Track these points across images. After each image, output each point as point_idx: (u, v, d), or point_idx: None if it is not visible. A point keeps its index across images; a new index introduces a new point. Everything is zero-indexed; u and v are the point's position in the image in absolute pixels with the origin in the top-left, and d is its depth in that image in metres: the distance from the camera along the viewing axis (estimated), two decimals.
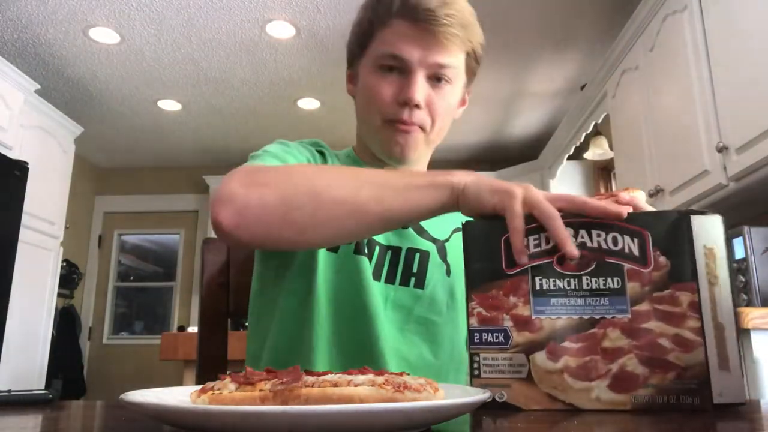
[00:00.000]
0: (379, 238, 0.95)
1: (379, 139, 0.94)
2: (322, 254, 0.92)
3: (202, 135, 4.93)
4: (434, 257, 0.96)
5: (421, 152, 0.95)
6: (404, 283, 0.94)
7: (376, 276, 0.93)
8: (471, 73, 1.00)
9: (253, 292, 1.01)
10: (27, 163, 3.32)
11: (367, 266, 0.91)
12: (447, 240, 0.99)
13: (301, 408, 0.37)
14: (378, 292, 0.92)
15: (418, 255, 0.96)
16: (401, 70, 0.91)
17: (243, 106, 4.38)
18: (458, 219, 1.02)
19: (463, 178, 0.71)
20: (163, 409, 0.41)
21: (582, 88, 3.89)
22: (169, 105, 4.38)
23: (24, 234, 3.37)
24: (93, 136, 4.83)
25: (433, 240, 0.98)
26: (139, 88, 4.10)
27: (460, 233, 0.99)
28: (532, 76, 3.95)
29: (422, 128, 0.92)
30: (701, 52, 2.23)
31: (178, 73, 3.90)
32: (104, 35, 3.41)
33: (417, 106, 0.90)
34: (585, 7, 3.17)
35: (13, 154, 3.31)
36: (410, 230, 0.97)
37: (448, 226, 1.01)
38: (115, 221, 5.68)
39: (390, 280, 0.94)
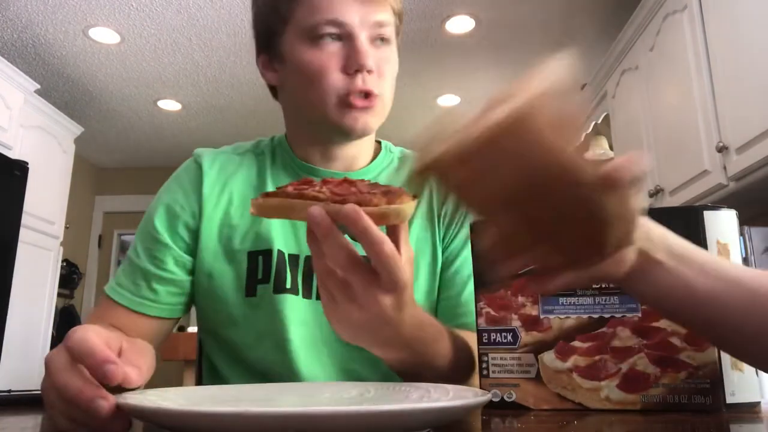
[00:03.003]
0: (306, 248, 0.85)
1: (335, 118, 0.82)
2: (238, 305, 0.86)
3: (202, 135, 4.92)
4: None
5: (379, 123, 0.85)
6: None
7: (296, 291, 0.85)
8: (399, 33, 0.90)
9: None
10: (27, 163, 3.31)
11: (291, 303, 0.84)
12: None
13: (295, 410, 0.36)
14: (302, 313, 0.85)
15: None
16: (340, 36, 0.80)
17: (243, 106, 4.37)
18: None
19: None
20: (150, 411, 0.40)
21: (582, 88, 3.89)
22: (169, 105, 4.37)
23: (24, 234, 3.36)
24: (93, 136, 4.82)
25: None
26: (139, 88, 4.10)
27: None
28: None
29: (379, 95, 0.82)
30: (701, 52, 2.23)
31: (178, 73, 3.90)
32: (104, 35, 3.40)
33: (369, 72, 0.80)
34: (585, 7, 3.17)
35: (13, 154, 3.30)
36: (345, 236, 0.88)
37: None
38: (115, 221, 5.66)
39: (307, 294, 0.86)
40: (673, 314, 0.51)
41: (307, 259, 0.85)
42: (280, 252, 0.85)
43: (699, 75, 2.25)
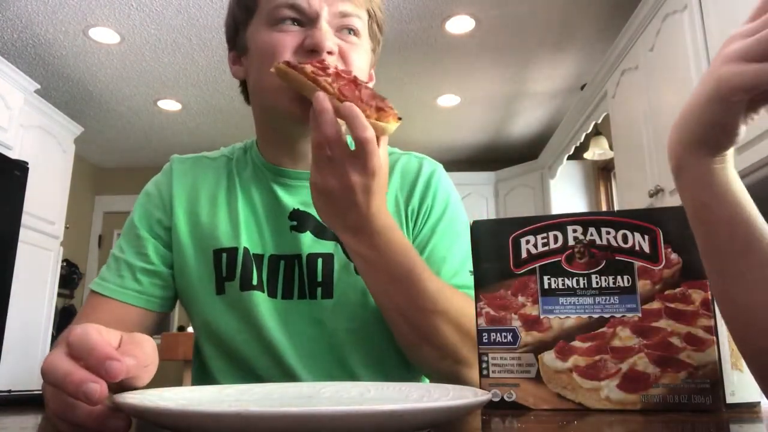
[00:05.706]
0: (269, 248, 0.86)
1: (286, 103, 0.77)
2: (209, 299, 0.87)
3: (202, 135, 4.92)
4: (339, 257, 0.85)
5: None
6: (304, 296, 0.85)
7: (262, 288, 0.85)
8: (375, 40, 0.88)
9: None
10: (27, 163, 3.31)
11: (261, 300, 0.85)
12: None
13: (295, 410, 0.36)
14: (275, 313, 0.85)
15: (320, 260, 0.85)
16: (301, 22, 0.79)
17: (243, 106, 4.33)
18: None
19: None
20: (150, 411, 0.40)
21: (582, 88, 3.89)
22: (169, 105, 4.38)
23: (24, 234, 3.36)
24: (93, 136, 4.82)
25: (335, 237, 0.85)
26: (139, 88, 4.10)
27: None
28: (532, 76, 3.95)
29: None
30: (701, 52, 2.23)
31: (178, 73, 3.90)
32: (104, 35, 3.40)
33: (330, 53, 0.77)
34: (585, 7, 3.17)
35: (13, 154, 3.31)
36: (308, 233, 0.86)
37: None
38: (115, 221, 5.66)
39: (288, 295, 0.85)
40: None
41: (271, 258, 0.87)
42: (245, 249, 0.86)
43: (699, 75, 2.25)
